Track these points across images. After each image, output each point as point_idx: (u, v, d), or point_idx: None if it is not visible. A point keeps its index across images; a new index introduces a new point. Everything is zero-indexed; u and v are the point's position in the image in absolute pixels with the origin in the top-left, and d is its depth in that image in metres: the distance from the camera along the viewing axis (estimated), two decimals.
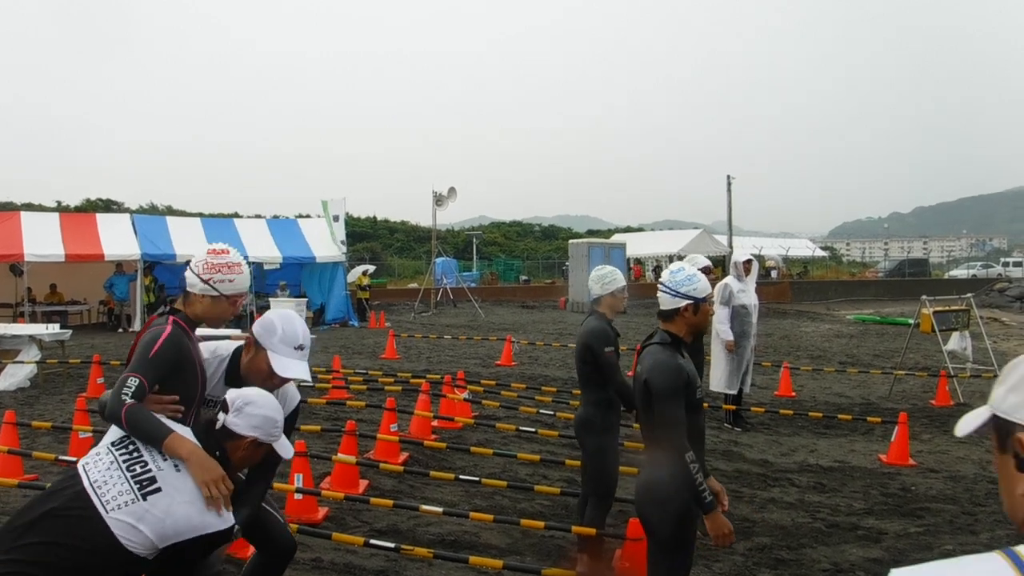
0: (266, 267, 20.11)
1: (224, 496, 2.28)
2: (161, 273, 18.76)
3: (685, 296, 3.03)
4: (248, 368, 2.83)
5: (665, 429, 2.85)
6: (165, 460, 2.29)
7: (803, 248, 48.96)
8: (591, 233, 59.09)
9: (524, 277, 42.16)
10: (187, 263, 2.88)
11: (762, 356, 11.48)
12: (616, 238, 39.72)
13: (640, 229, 64.10)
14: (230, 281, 2.79)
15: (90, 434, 6.35)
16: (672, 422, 2.84)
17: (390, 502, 4.95)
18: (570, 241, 31.40)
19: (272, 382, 2.77)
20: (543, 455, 6.54)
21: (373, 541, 4.34)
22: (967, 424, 1.11)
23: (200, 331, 2.96)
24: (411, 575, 4.33)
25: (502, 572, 4.22)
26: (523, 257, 49.64)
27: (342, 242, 20.96)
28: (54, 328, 11.58)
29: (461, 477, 5.70)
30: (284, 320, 2.85)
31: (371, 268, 27.32)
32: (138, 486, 2.21)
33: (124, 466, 2.26)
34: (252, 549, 3.19)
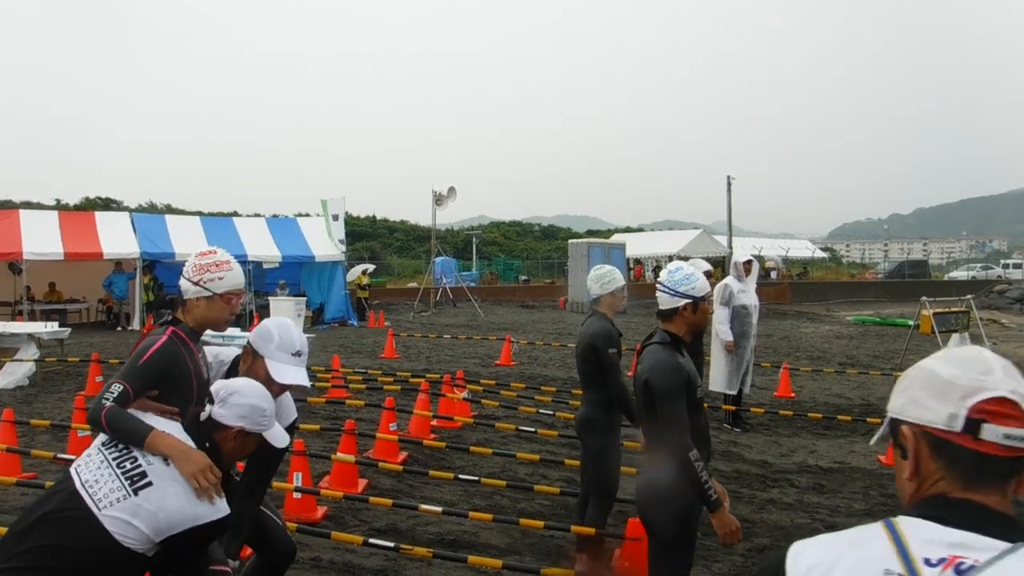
0: (265, 266, 20.10)
1: (213, 485, 2.26)
2: (161, 272, 18.75)
3: (684, 295, 3.03)
4: (246, 376, 2.83)
5: (667, 429, 2.85)
6: (155, 455, 2.29)
7: (803, 249, 48.97)
8: (591, 233, 59.12)
9: (523, 277, 42.17)
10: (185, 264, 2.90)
11: (761, 357, 11.47)
12: (616, 238, 39.73)
13: (640, 229, 64.14)
14: (220, 279, 2.79)
15: (89, 433, 6.34)
16: (674, 421, 2.84)
17: (389, 501, 4.95)
18: (570, 241, 31.40)
19: (271, 390, 2.75)
20: (542, 455, 6.53)
21: (372, 540, 4.34)
22: (878, 434, 1.31)
23: (210, 334, 2.96)
24: (410, 574, 4.32)
25: (501, 572, 4.21)
26: (523, 257, 49.67)
27: (341, 241, 20.95)
28: (53, 326, 11.57)
29: (460, 476, 5.69)
30: (280, 327, 2.85)
31: (371, 267, 27.32)
32: (129, 482, 2.20)
33: (114, 464, 2.26)
34: (250, 551, 3.18)
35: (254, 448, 2.58)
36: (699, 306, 3.04)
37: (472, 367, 11.87)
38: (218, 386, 2.53)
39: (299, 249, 20.21)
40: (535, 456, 6.34)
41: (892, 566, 1.07)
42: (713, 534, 2.95)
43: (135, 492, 2.18)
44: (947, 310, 11.03)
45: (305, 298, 19.07)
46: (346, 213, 21.95)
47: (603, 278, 4.39)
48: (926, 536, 1.09)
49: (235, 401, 2.46)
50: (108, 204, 49.20)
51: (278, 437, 2.60)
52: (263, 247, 19.63)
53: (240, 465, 3.03)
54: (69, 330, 11.96)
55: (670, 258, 39.53)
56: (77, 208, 42.40)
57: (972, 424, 1.12)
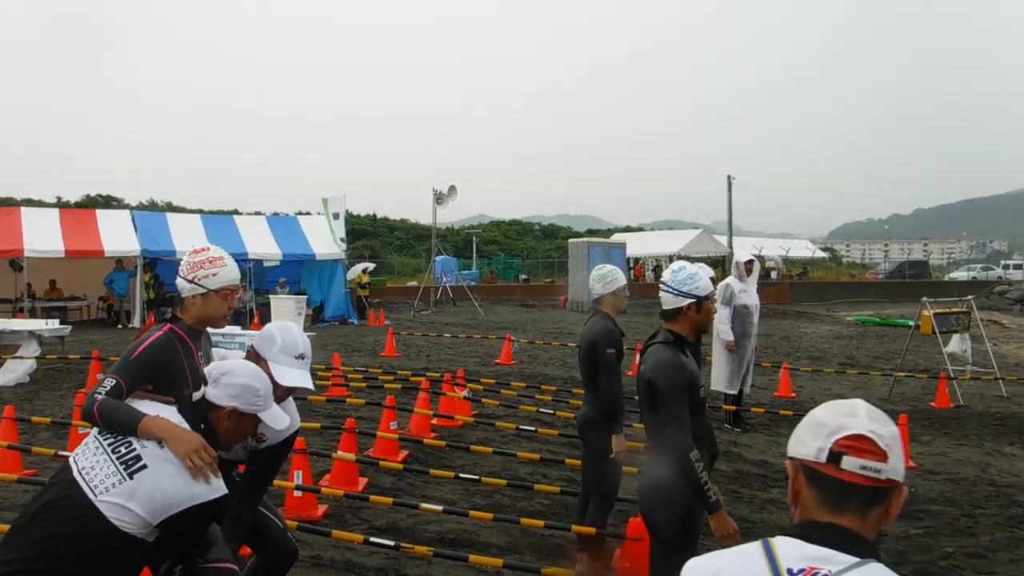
0: (266, 264, 20.10)
1: (208, 464, 2.25)
2: (162, 270, 18.76)
3: (687, 295, 3.03)
4: None
5: (670, 428, 2.85)
6: (149, 439, 2.29)
7: (803, 249, 48.95)
8: (591, 232, 59.13)
9: (524, 276, 42.17)
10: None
11: (762, 357, 11.47)
12: (616, 238, 39.72)
13: (640, 229, 64.13)
14: (214, 275, 2.80)
15: (89, 430, 6.35)
16: (676, 421, 2.84)
17: (390, 500, 4.95)
18: (570, 240, 31.40)
19: (276, 394, 2.75)
20: (543, 454, 6.53)
21: (373, 539, 4.34)
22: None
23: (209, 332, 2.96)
24: (410, 573, 4.32)
25: (502, 571, 4.22)
26: (523, 256, 49.68)
27: (342, 239, 20.95)
28: (53, 324, 11.56)
29: (461, 475, 5.69)
30: (283, 331, 2.85)
31: (371, 266, 27.33)
32: (124, 466, 2.20)
33: (110, 450, 2.26)
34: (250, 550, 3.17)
35: (251, 431, 2.56)
36: (703, 306, 3.04)
37: (472, 366, 11.87)
38: (211, 367, 2.52)
39: (300, 247, 20.22)
40: (535, 455, 6.34)
41: (762, 574, 1.30)
42: (712, 534, 2.96)
43: (130, 476, 2.18)
44: (948, 310, 11.00)
45: (305, 296, 19.07)
46: (347, 211, 21.95)
47: (605, 278, 4.39)
48: (793, 552, 1.31)
49: (227, 381, 2.44)
50: (109, 202, 49.21)
51: (276, 418, 2.57)
52: (264, 245, 19.63)
53: (242, 467, 3.03)
54: (70, 327, 11.95)
55: (670, 258, 39.54)
56: (78, 206, 42.43)
57: (834, 456, 1.35)
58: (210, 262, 2.82)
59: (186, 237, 18.56)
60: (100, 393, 2.43)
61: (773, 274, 35.74)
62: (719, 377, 8.10)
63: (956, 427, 8.48)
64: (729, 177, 32.74)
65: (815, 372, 11.92)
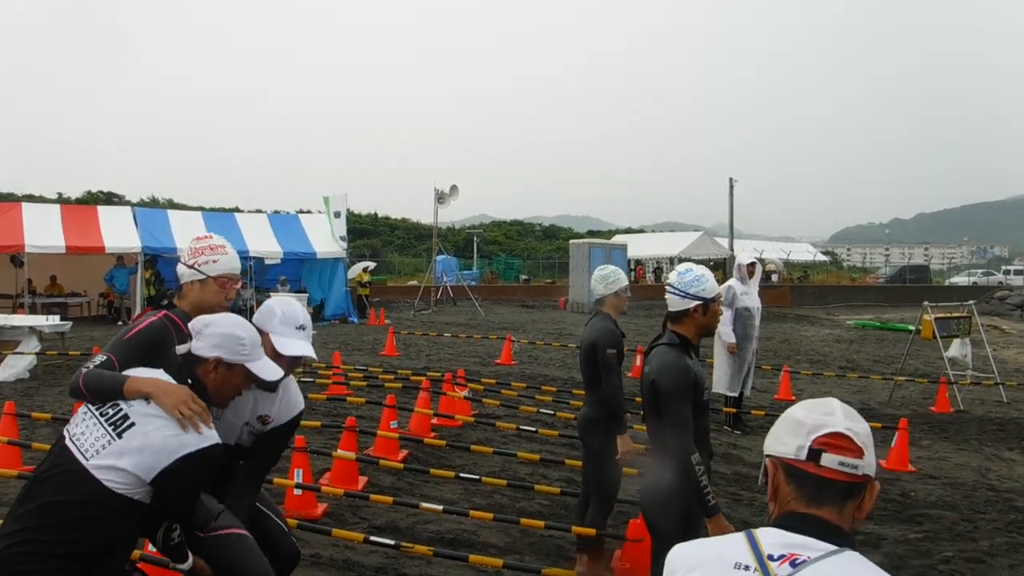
0: (267, 262, 20.10)
1: (198, 413, 2.22)
2: (162, 267, 18.74)
3: (694, 297, 3.02)
4: None
5: (672, 431, 2.85)
6: (136, 399, 2.27)
7: (804, 252, 48.97)
8: (592, 234, 59.09)
9: (524, 276, 42.18)
10: None
11: (762, 360, 11.47)
12: (617, 239, 39.74)
13: (641, 230, 64.11)
14: (214, 262, 2.81)
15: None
16: (679, 423, 2.83)
17: (390, 499, 4.94)
18: (571, 241, 31.40)
19: (279, 365, 2.71)
20: (543, 454, 6.53)
21: (373, 538, 4.33)
22: (760, 474, 1.58)
23: None
24: (410, 572, 4.32)
25: (502, 571, 4.21)
26: (523, 256, 49.68)
27: (343, 238, 20.95)
28: (54, 320, 11.57)
29: (461, 475, 5.69)
30: (282, 303, 2.86)
31: (372, 265, 27.33)
32: (112, 427, 2.19)
33: (99, 414, 2.25)
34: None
35: (243, 385, 2.51)
36: (709, 308, 3.04)
37: (472, 366, 11.87)
38: (194, 321, 2.49)
39: (300, 245, 20.22)
40: (535, 456, 6.34)
41: (743, 560, 1.37)
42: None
43: (119, 436, 2.17)
44: (949, 315, 11.01)
45: (306, 294, 19.07)
46: (348, 210, 21.96)
47: (608, 278, 4.40)
48: (773, 539, 1.39)
49: (210, 332, 2.41)
50: (110, 198, 49.20)
51: (266, 370, 2.52)
52: (264, 243, 19.63)
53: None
54: (70, 323, 11.95)
55: (671, 260, 39.55)
56: (79, 202, 42.45)
57: (814, 453, 1.42)
58: (211, 249, 2.83)
59: (187, 234, 18.53)
60: (88, 367, 2.41)
61: (774, 277, 35.73)
62: (720, 379, 8.10)
63: (956, 432, 8.47)
64: (731, 179, 32.76)
65: (815, 375, 11.91)
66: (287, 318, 2.80)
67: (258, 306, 3.03)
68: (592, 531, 4.21)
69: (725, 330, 7.97)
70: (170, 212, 21.53)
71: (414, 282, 31.71)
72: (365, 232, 53.01)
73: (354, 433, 6.06)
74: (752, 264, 8.26)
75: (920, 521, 5.50)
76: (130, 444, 2.15)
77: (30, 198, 36.77)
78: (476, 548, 4.65)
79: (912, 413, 9.24)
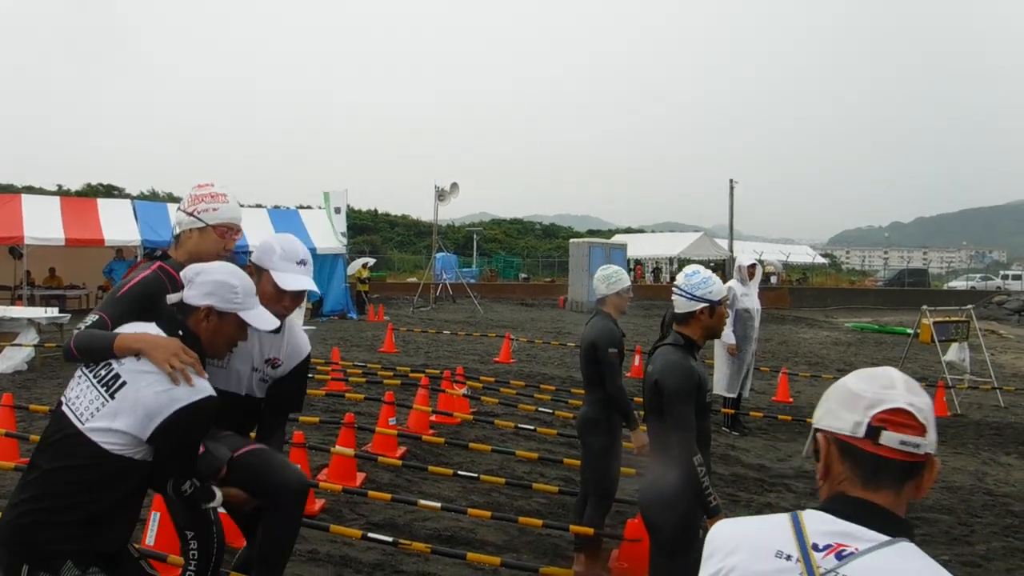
0: None
1: (189, 364, 2.18)
2: None
3: (701, 299, 3.03)
4: None
5: (674, 431, 2.85)
6: (127, 357, 2.23)
7: (803, 254, 48.99)
8: (591, 233, 59.12)
9: (523, 275, 42.18)
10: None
11: (760, 361, 11.48)
12: (617, 239, 39.75)
13: (640, 230, 64.15)
14: (214, 209, 2.72)
15: None
16: (682, 424, 2.84)
17: (388, 496, 4.93)
18: (571, 241, 31.41)
19: (281, 304, 2.68)
20: (541, 453, 6.53)
21: (371, 535, 4.33)
22: (807, 444, 1.40)
23: None
24: (407, 569, 4.32)
25: (499, 570, 4.21)
26: (523, 255, 49.70)
27: (343, 234, 20.94)
28: (53, 312, 11.55)
29: (459, 473, 5.69)
30: (282, 239, 2.79)
31: (371, 261, 27.30)
32: (105, 388, 2.17)
33: (92, 376, 2.23)
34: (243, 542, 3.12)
35: (237, 335, 2.44)
36: (716, 310, 3.04)
37: (471, 364, 11.87)
38: (187, 269, 2.43)
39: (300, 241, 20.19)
40: (534, 454, 6.34)
41: (786, 548, 1.27)
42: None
43: (112, 396, 2.16)
44: (947, 319, 11.02)
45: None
46: (348, 206, 21.94)
47: (609, 278, 4.41)
48: (820, 527, 1.28)
49: (202, 279, 2.35)
50: (110, 191, 49.14)
51: (261, 319, 2.44)
52: (264, 238, 19.61)
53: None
54: (69, 316, 11.92)
55: (671, 260, 39.56)
56: (79, 194, 42.38)
57: (873, 431, 1.29)
58: (212, 196, 2.74)
59: None
60: (81, 328, 2.36)
61: (773, 279, 35.77)
62: (719, 380, 8.11)
63: (953, 436, 8.49)
64: (731, 181, 32.77)
65: (813, 377, 11.92)
66: (287, 254, 2.73)
67: None
68: (590, 530, 4.21)
69: (725, 331, 7.97)
70: (170, 206, 21.48)
71: (413, 279, 31.71)
72: (365, 228, 53.01)
73: (352, 429, 6.05)
74: (753, 266, 8.27)
75: (917, 525, 5.50)
76: (123, 404, 2.13)
77: (30, 190, 36.71)
78: (474, 546, 4.65)
79: None
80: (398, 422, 7.02)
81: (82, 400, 2.19)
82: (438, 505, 4.77)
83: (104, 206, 19.62)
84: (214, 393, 2.22)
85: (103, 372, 2.21)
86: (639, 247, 39.92)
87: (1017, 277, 47.14)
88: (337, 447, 5.82)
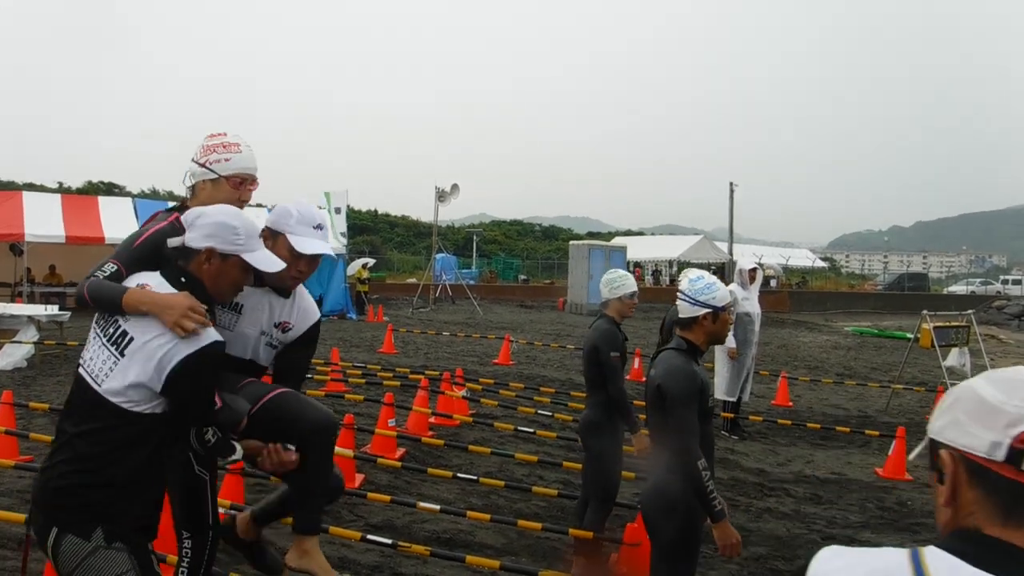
0: None
1: (199, 323, 2.15)
2: None
3: (704, 304, 3.03)
4: None
5: (678, 435, 2.84)
6: (135, 312, 2.21)
7: (803, 258, 49.07)
8: (591, 235, 59.14)
9: (523, 277, 42.19)
10: None
11: (760, 365, 11.48)
12: (616, 241, 39.77)
13: (640, 233, 64.19)
14: (226, 160, 2.64)
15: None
16: (685, 428, 2.83)
17: (387, 497, 4.93)
18: (571, 243, 31.42)
19: (296, 269, 2.62)
20: (540, 456, 6.52)
21: (369, 536, 4.32)
22: (917, 449, 1.30)
23: None
24: (406, 572, 4.31)
25: (498, 572, 4.20)
26: (522, 256, 49.71)
27: (343, 234, 20.93)
28: (53, 310, 11.55)
29: (459, 475, 5.68)
30: (298, 204, 2.73)
31: (371, 261, 27.30)
32: (115, 347, 2.18)
33: (102, 334, 2.23)
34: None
35: (242, 279, 2.38)
36: (719, 316, 3.03)
37: (471, 365, 11.86)
38: (187, 212, 2.38)
39: None
40: (533, 457, 6.33)
41: None
42: (711, 542, 2.95)
43: (121, 354, 2.16)
44: (948, 324, 11.01)
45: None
46: (348, 206, 21.93)
47: (612, 282, 4.42)
48: (947, 573, 1.03)
49: (202, 221, 2.29)
50: (111, 189, 49.12)
51: (264, 260, 2.37)
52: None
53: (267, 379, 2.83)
54: (69, 313, 11.91)
55: (670, 263, 39.59)
56: (80, 192, 42.36)
57: (1016, 454, 1.04)
58: (224, 147, 2.66)
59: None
60: (95, 275, 2.32)
61: (773, 282, 35.79)
62: (719, 384, 8.10)
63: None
64: (731, 184, 32.77)
65: (813, 381, 11.92)
66: (304, 218, 2.66)
67: None
68: (589, 534, 4.21)
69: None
70: (171, 204, 21.48)
71: (413, 280, 31.71)
72: (365, 229, 53.00)
73: (352, 431, 6.05)
74: (754, 269, 8.26)
75: (917, 530, 5.50)
76: (132, 359, 2.14)
77: (31, 187, 36.70)
78: (472, 549, 4.64)
79: (909, 422, 9.23)
80: (397, 423, 7.01)
81: (95, 361, 2.20)
82: (437, 507, 4.76)
83: (105, 204, 19.62)
84: (221, 339, 2.21)
85: (111, 330, 2.21)
86: (639, 249, 39.96)
87: (1017, 282, 47.16)
88: (336, 448, 5.80)
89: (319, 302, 19.76)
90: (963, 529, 1.09)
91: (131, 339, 2.17)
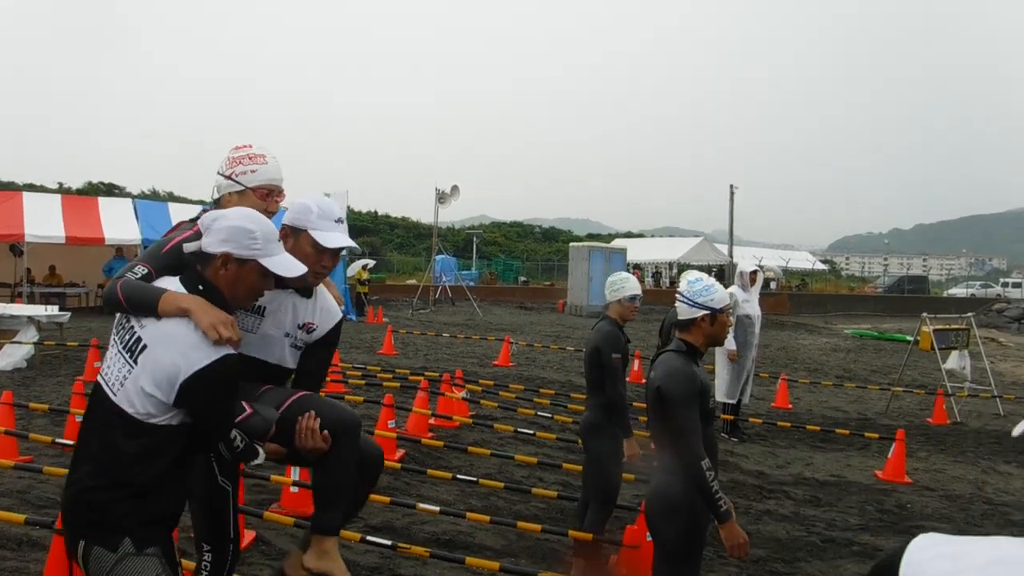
0: None
1: (228, 339, 2.13)
2: None
3: (702, 306, 3.03)
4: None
5: (680, 436, 2.84)
6: (150, 318, 2.17)
7: (803, 260, 49.05)
8: (591, 237, 59.12)
9: (523, 278, 42.18)
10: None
11: (760, 367, 11.49)
12: (616, 243, 39.78)
13: (640, 235, 64.19)
14: (252, 172, 2.63)
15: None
16: (687, 429, 2.83)
17: (387, 499, 4.93)
18: (571, 244, 31.41)
19: (321, 264, 2.59)
20: (540, 457, 6.52)
21: (369, 538, 4.32)
22: (1020, 427, 1.28)
23: None
24: (405, 573, 4.31)
25: (497, 574, 4.20)
26: (522, 258, 49.70)
27: None
28: (53, 310, 11.53)
29: (458, 476, 5.68)
30: (316, 200, 2.68)
31: (371, 262, 27.29)
32: (129, 354, 2.13)
33: (119, 343, 2.17)
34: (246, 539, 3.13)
35: (260, 284, 2.31)
36: (717, 318, 3.03)
37: (470, 366, 11.85)
38: (204, 216, 2.33)
39: None
40: (533, 459, 6.33)
41: None
42: (712, 544, 2.95)
43: (135, 362, 2.11)
44: (947, 327, 11.02)
45: None
46: (348, 208, 21.92)
47: (612, 285, 4.45)
48: None
49: (218, 225, 2.22)
50: (111, 189, 49.10)
51: (284, 265, 2.30)
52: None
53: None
54: (68, 314, 11.90)
55: (670, 265, 39.59)
56: (80, 192, 42.36)
57: None
58: (250, 158, 2.65)
59: None
60: (127, 276, 2.28)
61: (773, 285, 35.79)
62: (719, 386, 8.10)
63: (953, 444, 8.49)
64: (732, 186, 32.79)
65: (813, 384, 11.92)
66: (324, 212, 2.62)
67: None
68: (588, 535, 4.21)
69: (727, 338, 7.98)
70: (171, 205, 21.49)
71: (413, 281, 31.70)
72: (365, 230, 52.98)
73: None
74: (754, 272, 8.27)
75: (916, 533, 5.42)
76: (144, 369, 2.09)
77: (31, 187, 36.69)
78: (472, 550, 4.64)
79: (909, 424, 9.25)
80: (397, 425, 7.01)
81: (112, 370, 2.15)
82: (436, 509, 4.76)
83: (105, 205, 19.61)
84: (233, 352, 2.16)
85: (127, 337, 2.16)
86: (639, 251, 39.94)
87: (1017, 285, 47.18)
88: None
89: None
90: None
91: (144, 347, 2.12)
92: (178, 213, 19.83)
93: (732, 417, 8.18)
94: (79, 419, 6.20)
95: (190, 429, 2.15)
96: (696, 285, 3.07)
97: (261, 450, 2.43)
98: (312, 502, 2.74)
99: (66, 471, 4.77)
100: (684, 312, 3.07)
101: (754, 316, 8.09)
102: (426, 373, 9.73)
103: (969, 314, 11.89)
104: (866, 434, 8.18)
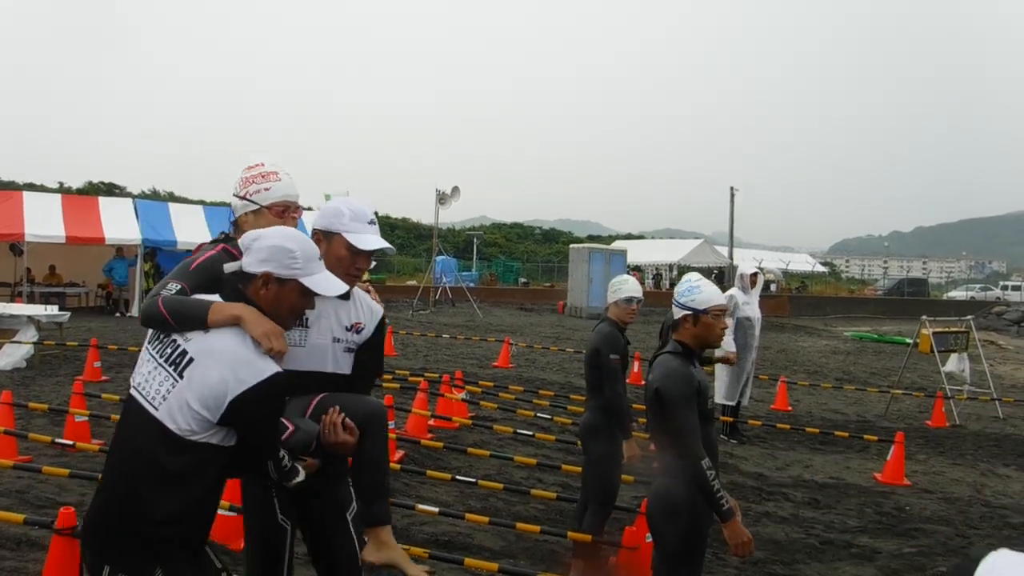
0: None
1: (278, 352, 2.11)
2: (162, 259, 18.70)
3: (683, 307, 3.05)
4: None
5: (679, 437, 2.85)
6: (195, 331, 2.12)
7: (803, 263, 49.03)
8: (592, 238, 59.10)
9: (523, 279, 42.16)
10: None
11: (759, 369, 11.49)
12: (617, 244, 39.78)
13: (640, 236, 64.19)
14: (266, 189, 2.60)
15: (86, 418, 6.34)
16: (686, 430, 2.84)
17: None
18: (571, 246, 31.39)
19: (355, 267, 2.57)
20: (539, 459, 6.53)
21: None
22: None
23: None
24: (404, 573, 4.31)
25: (496, 575, 4.20)
26: (523, 259, 49.69)
27: None
28: (53, 310, 11.53)
29: (457, 477, 5.68)
30: (346, 202, 2.65)
31: (371, 263, 27.28)
32: (173, 367, 2.06)
33: (158, 356, 2.11)
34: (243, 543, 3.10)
35: (301, 304, 2.26)
36: (700, 319, 3.02)
37: (470, 368, 11.85)
38: (245, 236, 2.30)
39: None
40: (532, 460, 6.33)
41: None
42: (711, 545, 2.95)
43: (180, 375, 2.04)
44: (947, 330, 11.03)
45: None
46: None
47: (612, 287, 4.47)
48: None
49: (259, 245, 2.20)
50: (111, 189, 49.09)
51: (325, 284, 2.26)
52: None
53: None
54: (68, 314, 11.89)
55: (670, 267, 39.60)
56: (80, 192, 42.38)
57: None
58: (263, 176, 2.61)
59: (187, 227, 18.54)
60: (164, 293, 2.24)
61: (773, 287, 35.79)
62: (719, 388, 8.11)
63: (952, 446, 8.49)
64: (732, 188, 32.80)
65: (812, 386, 11.93)
66: (357, 215, 2.59)
67: None
68: (587, 536, 4.21)
69: (726, 339, 7.98)
70: (171, 205, 21.49)
71: (413, 282, 31.69)
72: None
73: None
74: (755, 274, 8.28)
75: (915, 536, 5.50)
76: (191, 384, 2.02)
77: (31, 187, 36.69)
78: (471, 551, 4.64)
79: (908, 427, 9.25)
80: (396, 426, 7.01)
81: (152, 383, 2.08)
82: (435, 510, 4.76)
83: (105, 204, 19.63)
84: (280, 370, 2.13)
85: (168, 350, 2.10)
86: (639, 253, 39.94)
87: (1017, 288, 47.20)
88: None
89: None
90: None
91: (191, 360, 2.06)
92: (178, 213, 19.88)
93: (732, 419, 8.19)
94: (78, 419, 6.23)
95: (232, 449, 2.09)
96: (682, 286, 3.09)
97: (300, 468, 2.36)
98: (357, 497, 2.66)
99: (66, 471, 4.78)
100: (675, 312, 3.10)
101: (754, 318, 8.10)
102: (426, 374, 9.72)
103: (968, 317, 11.90)
104: (865, 436, 8.18)
